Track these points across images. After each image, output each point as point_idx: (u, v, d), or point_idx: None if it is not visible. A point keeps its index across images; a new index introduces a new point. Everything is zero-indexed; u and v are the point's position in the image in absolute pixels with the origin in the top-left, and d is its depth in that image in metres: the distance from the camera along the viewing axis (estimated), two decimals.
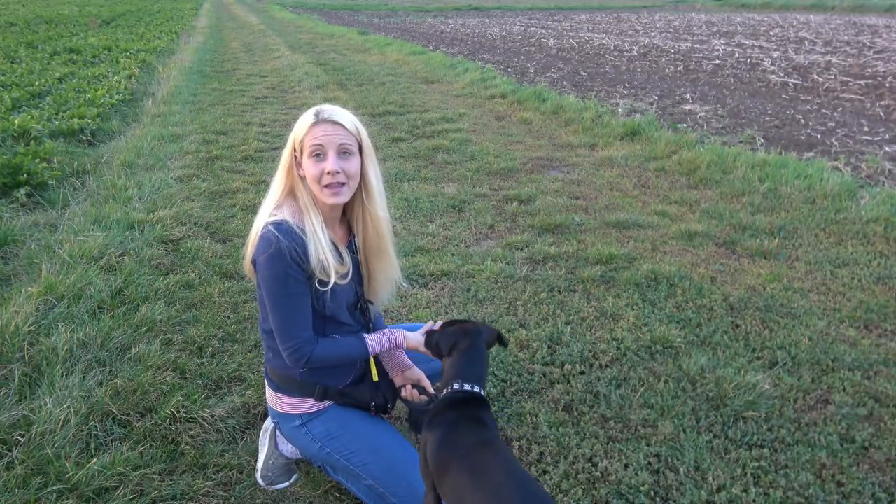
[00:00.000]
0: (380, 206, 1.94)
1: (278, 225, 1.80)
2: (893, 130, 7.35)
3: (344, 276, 1.90)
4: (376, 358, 2.11)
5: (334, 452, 1.95)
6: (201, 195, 4.94)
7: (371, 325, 2.11)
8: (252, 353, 2.88)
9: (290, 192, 1.90)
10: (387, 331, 2.01)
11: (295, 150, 1.86)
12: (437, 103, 8.85)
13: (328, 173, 1.79)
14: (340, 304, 1.94)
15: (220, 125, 7.43)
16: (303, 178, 1.87)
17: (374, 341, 1.96)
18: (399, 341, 1.99)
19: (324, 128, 1.80)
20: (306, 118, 1.84)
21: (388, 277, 2.06)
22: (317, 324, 1.92)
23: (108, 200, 4.63)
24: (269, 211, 1.87)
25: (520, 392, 2.65)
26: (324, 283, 1.85)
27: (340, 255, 1.90)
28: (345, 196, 1.86)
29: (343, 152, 1.82)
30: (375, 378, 2.06)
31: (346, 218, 2.03)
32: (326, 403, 2.00)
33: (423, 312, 3.26)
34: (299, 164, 1.86)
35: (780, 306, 3.35)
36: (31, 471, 2.08)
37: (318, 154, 1.80)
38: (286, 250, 1.77)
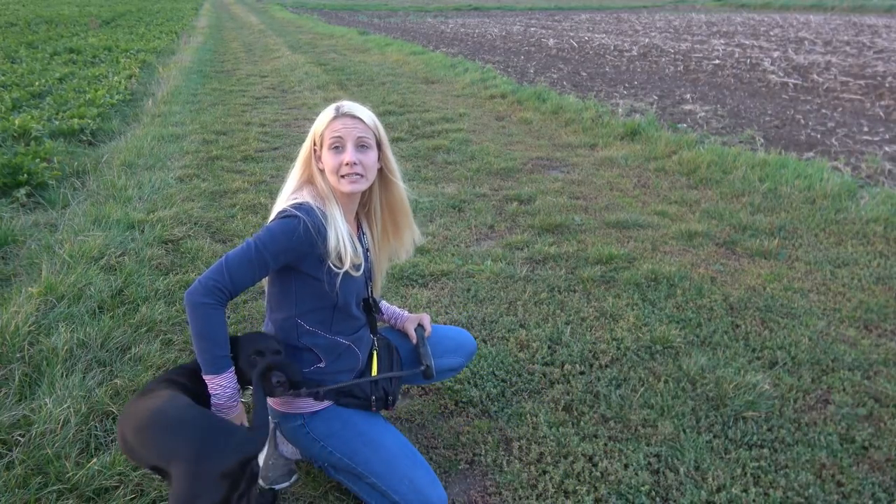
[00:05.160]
0: (401, 181, 2.04)
1: (300, 206, 1.83)
2: (893, 130, 7.35)
3: (358, 268, 1.93)
4: (379, 353, 2.12)
5: (336, 451, 1.96)
6: (201, 195, 4.94)
7: (376, 324, 2.17)
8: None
9: (308, 182, 1.95)
10: (235, 399, 1.82)
11: (315, 144, 1.91)
12: (437, 103, 8.85)
13: (346, 164, 1.84)
14: (351, 294, 1.98)
15: (220, 125, 7.43)
16: (321, 171, 1.91)
17: (227, 381, 1.77)
18: (229, 411, 1.80)
19: (343, 121, 1.86)
20: (327, 112, 1.90)
21: (411, 239, 2.16)
22: (325, 314, 1.95)
23: (108, 200, 4.63)
24: (289, 195, 1.91)
25: (520, 392, 2.65)
26: (336, 268, 1.88)
27: (355, 246, 1.93)
28: (362, 185, 1.90)
29: (361, 145, 1.87)
30: (374, 373, 2.07)
31: (357, 214, 2.07)
32: (327, 403, 2.00)
33: (423, 312, 3.26)
34: (318, 158, 1.91)
35: (780, 306, 3.35)
36: (31, 471, 2.08)
37: (337, 146, 1.86)
38: (304, 227, 1.78)
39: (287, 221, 1.80)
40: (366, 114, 1.90)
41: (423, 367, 2.18)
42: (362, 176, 1.88)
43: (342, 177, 1.86)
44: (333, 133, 1.85)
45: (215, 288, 1.76)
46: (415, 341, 2.26)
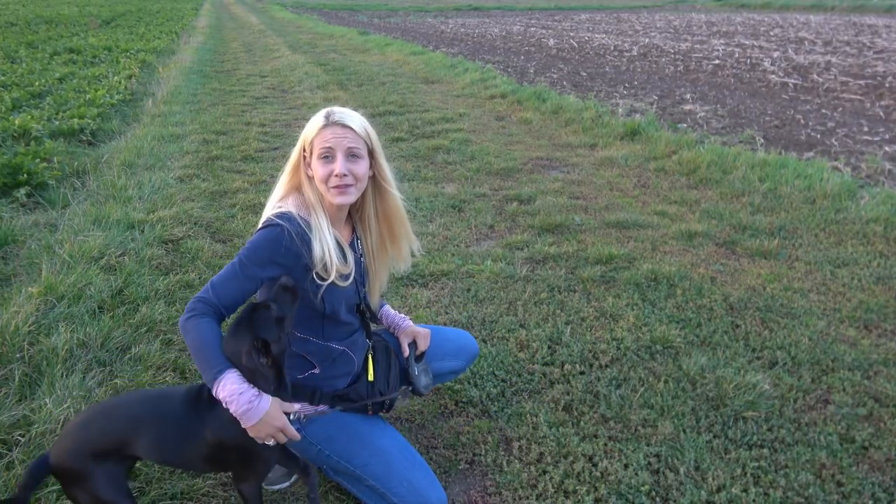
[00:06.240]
0: (397, 190, 1.99)
1: (283, 214, 1.81)
2: (893, 130, 7.35)
3: (346, 278, 1.90)
4: (376, 357, 2.11)
5: (334, 455, 1.95)
6: (201, 195, 4.94)
7: (370, 327, 2.14)
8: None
9: (297, 189, 1.92)
10: (242, 388, 1.63)
11: (304, 151, 1.88)
12: (437, 103, 8.85)
13: (336, 175, 1.81)
14: (339, 302, 1.94)
15: (220, 125, 7.43)
16: (310, 178, 1.88)
17: (227, 381, 1.62)
18: (250, 409, 1.63)
19: (333, 130, 1.82)
20: (317, 120, 1.85)
21: (409, 249, 2.11)
22: (314, 322, 1.92)
23: (108, 200, 4.63)
24: (274, 203, 1.89)
25: (520, 392, 2.65)
26: (321, 278, 1.85)
27: (344, 256, 1.90)
28: (352, 197, 1.87)
29: (351, 155, 1.83)
30: (371, 378, 2.06)
31: (351, 218, 2.04)
32: (323, 406, 1.99)
33: (423, 312, 3.27)
34: (308, 165, 1.88)
35: (780, 306, 3.35)
36: None
37: (327, 156, 1.82)
38: (287, 237, 1.77)
39: (269, 231, 1.78)
40: (356, 122, 1.85)
41: (407, 388, 2.15)
42: (352, 186, 1.85)
43: (331, 188, 1.83)
44: (323, 143, 1.81)
45: (198, 302, 1.74)
46: (406, 354, 2.19)
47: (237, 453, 1.71)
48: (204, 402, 1.70)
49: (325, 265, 1.83)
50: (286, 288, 1.74)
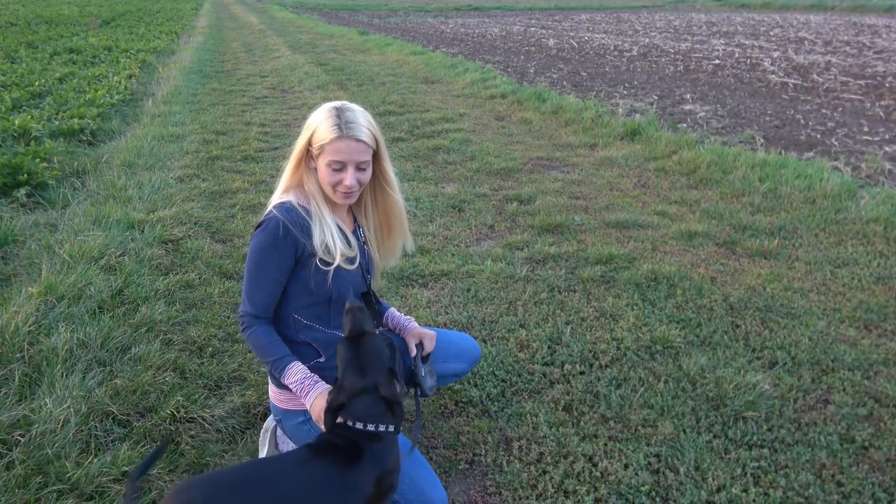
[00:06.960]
0: (398, 191, 2.05)
1: (280, 205, 1.89)
2: (893, 130, 7.35)
3: (351, 261, 1.94)
4: None
5: None
6: (201, 195, 4.94)
7: (375, 316, 2.16)
8: (252, 353, 2.88)
9: (300, 181, 1.96)
10: (314, 379, 1.85)
11: (311, 145, 1.90)
12: (437, 103, 8.85)
13: (345, 185, 1.86)
14: (347, 288, 1.97)
15: (220, 125, 7.43)
16: (314, 170, 1.92)
17: (294, 373, 1.85)
18: (307, 392, 1.83)
19: (347, 144, 1.82)
20: (329, 126, 1.83)
21: (402, 245, 2.18)
22: (321, 308, 1.96)
23: (108, 200, 4.63)
24: (279, 195, 1.96)
25: (520, 392, 2.65)
26: (326, 263, 1.88)
27: (348, 240, 1.95)
28: (355, 198, 1.94)
29: (360, 169, 1.88)
30: None
31: (351, 209, 2.08)
32: None
33: (423, 312, 3.26)
34: (312, 157, 1.91)
35: (780, 306, 3.35)
36: (31, 471, 2.08)
37: (338, 168, 1.85)
38: (283, 228, 1.83)
39: (265, 229, 1.86)
40: (366, 132, 1.85)
41: (413, 391, 2.13)
42: (357, 191, 1.90)
43: (338, 191, 1.89)
44: (336, 155, 1.82)
45: (243, 316, 1.92)
46: (413, 355, 2.15)
47: (390, 478, 1.65)
48: (346, 451, 1.60)
49: (327, 248, 1.87)
50: (361, 310, 1.75)
